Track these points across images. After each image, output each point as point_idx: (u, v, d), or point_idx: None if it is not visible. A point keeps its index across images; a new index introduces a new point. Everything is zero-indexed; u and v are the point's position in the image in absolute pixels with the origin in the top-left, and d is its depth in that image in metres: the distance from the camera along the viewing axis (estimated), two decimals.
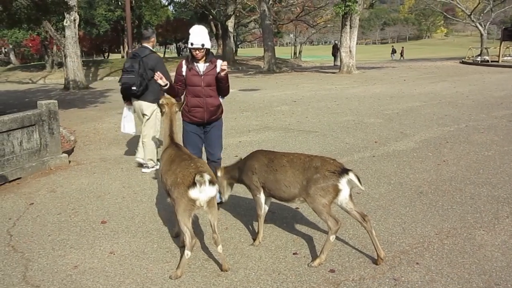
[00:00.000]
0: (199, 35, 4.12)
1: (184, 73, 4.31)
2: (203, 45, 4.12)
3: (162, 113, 3.91)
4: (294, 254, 3.47)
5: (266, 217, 4.17)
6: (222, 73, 4.19)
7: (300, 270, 3.22)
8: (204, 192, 3.05)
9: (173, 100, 3.96)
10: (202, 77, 4.27)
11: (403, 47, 47.23)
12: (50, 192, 5.21)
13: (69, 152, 7.09)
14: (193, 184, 3.01)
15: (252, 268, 3.28)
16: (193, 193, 3.03)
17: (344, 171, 3.16)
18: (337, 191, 3.15)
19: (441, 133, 7.48)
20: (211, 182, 3.04)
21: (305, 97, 12.85)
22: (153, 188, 5.22)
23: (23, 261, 3.51)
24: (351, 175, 3.14)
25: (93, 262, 3.47)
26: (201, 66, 4.28)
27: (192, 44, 4.12)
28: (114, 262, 3.45)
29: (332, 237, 3.21)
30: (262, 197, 3.64)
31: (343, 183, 3.14)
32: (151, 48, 5.92)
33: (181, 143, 3.88)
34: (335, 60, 31.55)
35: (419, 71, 21.70)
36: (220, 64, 4.26)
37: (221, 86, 4.35)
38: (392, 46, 50.30)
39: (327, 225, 3.24)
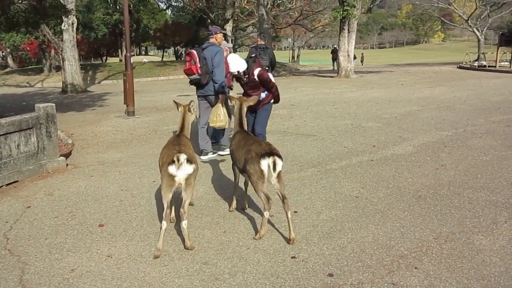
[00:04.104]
0: (232, 65, 5.49)
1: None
2: (238, 72, 5.53)
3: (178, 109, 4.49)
4: (292, 258, 3.45)
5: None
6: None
7: (299, 274, 3.20)
8: (181, 169, 3.53)
9: (189, 103, 4.47)
10: (245, 85, 5.73)
11: (362, 54, 47.20)
12: (47, 195, 5.19)
13: (67, 155, 7.07)
14: (172, 162, 3.52)
15: (250, 272, 3.26)
16: (171, 169, 3.53)
17: (267, 154, 3.67)
18: (261, 171, 3.66)
19: (439, 137, 7.49)
20: (188, 161, 3.55)
21: (303, 101, 12.86)
22: (151, 191, 5.21)
23: (20, 265, 3.49)
24: (270, 160, 3.63)
25: (90, 265, 3.45)
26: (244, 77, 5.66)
27: (232, 73, 5.66)
28: (111, 266, 3.43)
29: (265, 213, 3.75)
30: (235, 168, 4.37)
31: (263, 165, 3.65)
32: (266, 45, 10.06)
33: (189, 136, 4.33)
34: (334, 64, 31.58)
35: (416, 76, 21.76)
36: (257, 74, 5.58)
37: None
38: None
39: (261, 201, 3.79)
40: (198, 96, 6.65)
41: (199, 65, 6.27)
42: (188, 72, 6.45)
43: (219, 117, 6.09)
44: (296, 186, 5.18)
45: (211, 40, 6.55)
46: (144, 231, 4.08)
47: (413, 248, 3.54)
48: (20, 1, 10.27)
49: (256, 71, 5.54)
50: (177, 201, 4.09)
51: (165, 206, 3.57)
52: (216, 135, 7.06)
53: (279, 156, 3.70)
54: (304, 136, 7.98)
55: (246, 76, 5.60)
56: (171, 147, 3.82)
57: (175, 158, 3.50)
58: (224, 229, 4.06)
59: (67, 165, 6.49)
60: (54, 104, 6.42)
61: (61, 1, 16.20)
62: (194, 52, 6.31)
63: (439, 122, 8.86)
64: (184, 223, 3.60)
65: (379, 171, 5.70)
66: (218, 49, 6.42)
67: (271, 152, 3.69)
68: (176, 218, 4.22)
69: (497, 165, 5.80)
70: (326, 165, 6.03)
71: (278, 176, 3.72)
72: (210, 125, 6.25)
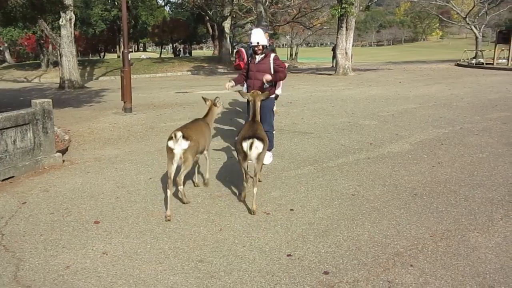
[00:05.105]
0: (255, 36, 5.67)
1: (249, 62, 5.94)
2: (258, 42, 5.66)
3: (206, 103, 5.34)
4: (288, 255, 3.45)
5: (260, 219, 4.18)
6: (265, 82, 5.60)
7: (294, 272, 3.20)
8: (176, 144, 4.21)
9: (214, 98, 5.29)
10: (256, 65, 5.81)
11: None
12: (43, 192, 5.17)
13: (63, 151, 7.05)
14: (170, 138, 4.24)
15: (245, 270, 3.26)
16: (170, 143, 4.25)
17: (248, 137, 4.27)
18: (243, 150, 4.29)
19: (436, 135, 7.50)
20: (184, 137, 4.23)
21: (300, 99, 12.85)
22: (147, 188, 5.19)
23: (14, 261, 3.48)
24: (249, 141, 4.23)
25: (85, 262, 3.44)
26: (258, 57, 5.81)
27: (251, 43, 5.75)
28: (106, 263, 3.42)
29: (244, 184, 4.53)
30: None
31: (244, 146, 4.26)
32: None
33: (210, 124, 5.17)
34: (333, 61, 31.44)
35: (414, 73, 21.76)
36: (272, 58, 5.78)
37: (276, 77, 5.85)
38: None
39: None
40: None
41: (246, 60, 6.98)
42: (237, 68, 7.35)
43: None
44: (292, 184, 5.17)
45: None
46: (139, 228, 4.07)
47: (408, 246, 3.55)
48: None
49: (273, 54, 5.84)
50: (173, 203, 4.09)
51: (168, 175, 4.29)
52: None
53: (260, 139, 4.27)
54: (301, 133, 7.98)
55: (263, 55, 5.77)
56: (176, 128, 4.50)
57: (173, 135, 4.21)
58: (220, 226, 4.05)
59: (63, 161, 6.47)
60: (50, 100, 6.39)
61: None
62: (243, 50, 7.15)
63: (436, 119, 8.86)
64: (180, 188, 4.42)
65: (375, 168, 5.70)
66: None
67: (253, 135, 4.29)
68: (171, 217, 4.23)
69: (493, 162, 5.81)
70: (323, 163, 6.03)
71: (258, 157, 4.31)
72: None
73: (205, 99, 5.39)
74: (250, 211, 4.33)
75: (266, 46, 5.85)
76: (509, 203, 4.39)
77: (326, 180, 5.31)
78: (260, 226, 4.01)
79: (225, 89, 5.98)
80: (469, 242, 3.58)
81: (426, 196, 4.65)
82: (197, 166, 5.35)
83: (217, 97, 5.29)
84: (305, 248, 3.56)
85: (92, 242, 3.80)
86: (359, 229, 3.88)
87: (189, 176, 5.09)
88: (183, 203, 4.58)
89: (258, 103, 5.04)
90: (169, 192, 4.28)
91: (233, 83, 5.84)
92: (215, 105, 5.28)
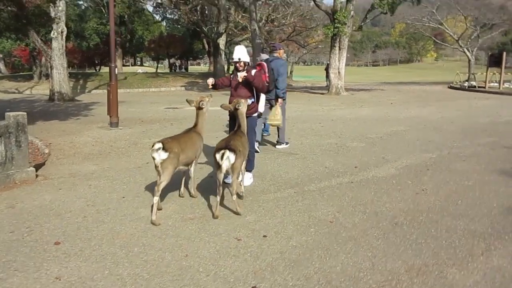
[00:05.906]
0: (237, 52, 5.64)
1: (231, 78, 5.88)
2: (239, 59, 5.62)
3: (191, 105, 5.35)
4: None
5: (230, 245, 3.95)
6: (239, 79, 5.66)
7: None
8: (156, 154, 4.38)
9: (199, 100, 5.27)
10: (238, 82, 5.75)
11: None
12: (8, 208, 4.93)
13: (40, 165, 6.84)
14: (152, 148, 4.42)
15: None
16: (151, 153, 4.43)
17: (221, 148, 4.46)
18: (216, 161, 4.50)
19: (423, 159, 7.32)
20: (163, 149, 4.37)
21: (290, 118, 12.66)
22: (118, 207, 4.97)
23: None
24: (220, 152, 4.42)
25: None
26: (240, 74, 5.70)
27: (233, 59, 5.72)
28: None
29: (218, 197, 4.64)
30: None
31: (217, 157, 4.45)
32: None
33: (201, 132, 5.26)
34: (327, 80, 31.46)
35: (407, 95, 21.76)
36: (253, 74, 5.65)
37: (254, 87, 5.74)
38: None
39: None
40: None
41: (267, 75, 7.00)
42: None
43: (276, 116, 7.55)
44: (269, 208, 4.95)
45: (275, 54, 7.87)
46: (101, 251, 3.84)
47: (382, 281, 3.32)
48: (2, 8, 10.06)
49: (254, 71, 5.75)
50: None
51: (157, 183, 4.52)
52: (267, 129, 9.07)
53: (232, 150, 4.41)
54: (285, 154, 7.79)
55: (245, 73, 5.65)
56: (165, 138, 4.71)
57: (152, 145, 4.41)
58: (187, 252, 3.82)
59: (36, 176, 6.24)
60: (25, 113, 6.19)
61: (50, 9, 16.02)
62: (264, 64, 7.08)
63: (424, 143, 8.71)
64: (155, 199, 4.47)
65: (357, 194, 5.50)
66: (282, 62, 7.81)
67: (226, 146, 4.45)
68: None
69: (479, 190, 5.63)
70: (304, 186, 5.82)
71: (232, 167, 4.48)
72: (268, 122, 7.92)
73: (189, 102, 5.37)
74: (236, 213, 4.66)
75: (248, 63, 5.79)
76: (492, 236, 4.18)
77: (305, 204, 5.10)
78: (229, 254, 3.79)
79: (209, 87, 5.86)
80: (446, 279, 3.36)
81: (407, 226, 4.43)
82: (184, 178, 5.38)
83: (202, 99, 5.25)
84: (272, 280, 3.33)
85: (47, 265, 3.56)
86: (332, 261, 3.66)
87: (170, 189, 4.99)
88: (152, 222, 4.45)
89: (243, 110, 5.20)
90: (155, 199, 4.47)
91: (213, 80, 5.79)
92: (200, 108, 5.22)
